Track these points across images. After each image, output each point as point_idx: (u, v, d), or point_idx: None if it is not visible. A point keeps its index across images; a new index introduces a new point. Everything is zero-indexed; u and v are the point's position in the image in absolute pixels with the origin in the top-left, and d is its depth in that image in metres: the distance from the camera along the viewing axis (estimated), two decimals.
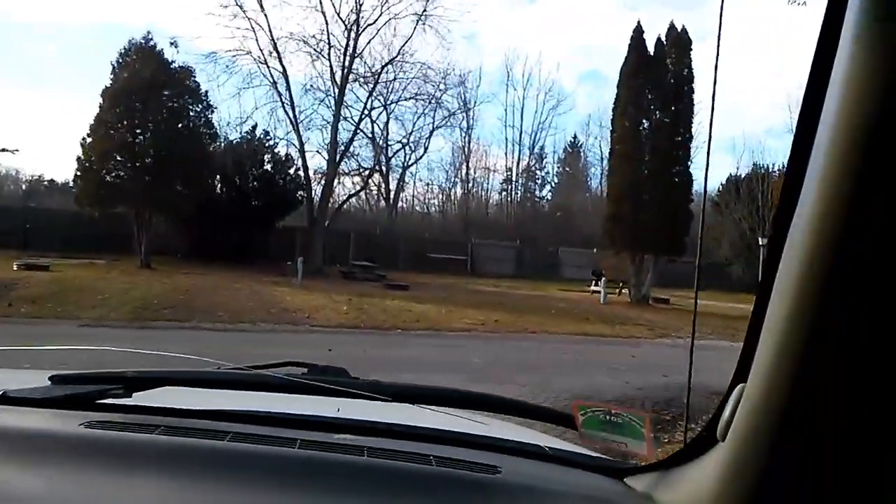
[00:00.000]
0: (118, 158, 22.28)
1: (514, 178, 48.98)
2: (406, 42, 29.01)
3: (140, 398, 1.25)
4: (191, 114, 24.25)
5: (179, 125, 23.41)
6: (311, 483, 1.00)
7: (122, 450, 1.03)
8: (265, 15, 27.18)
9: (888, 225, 0.57)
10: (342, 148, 28.88)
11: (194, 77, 24.41)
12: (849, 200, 0.58)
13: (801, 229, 0.63)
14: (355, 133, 29.45)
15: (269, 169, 27.81)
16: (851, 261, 0.59)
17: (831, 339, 0.62)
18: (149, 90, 22.07)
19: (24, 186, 35.12)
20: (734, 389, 0.77)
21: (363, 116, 30.05)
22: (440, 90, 30.58)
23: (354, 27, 28.20)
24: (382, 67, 29.17)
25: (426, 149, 36.44)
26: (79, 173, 22.26)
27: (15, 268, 18.46)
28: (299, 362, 1.41)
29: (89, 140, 22.35)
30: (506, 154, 50.40)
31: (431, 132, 34.99)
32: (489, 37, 65.18)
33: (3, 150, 15.95)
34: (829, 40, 0.61)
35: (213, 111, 25.18)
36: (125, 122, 22.23)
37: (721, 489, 0.80)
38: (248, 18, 26.93)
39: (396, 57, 29.03)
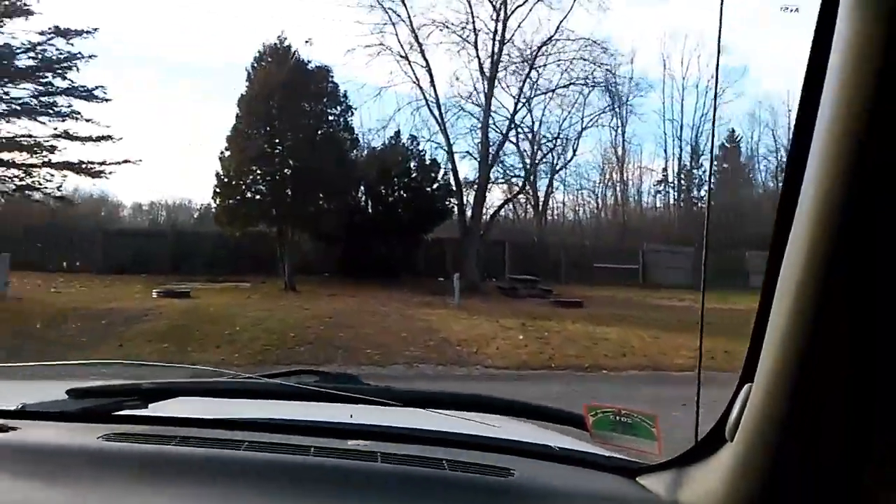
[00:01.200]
0: (256, 171, 20.42)
1: (671, 178, 42.71)
2: (566, 16, 24.98)
3: (156, 409, 1.28)
4: (329, 118, 22.01)
5: (319, 131, 21.23)
6: (325, 489, 1.03)
7: (140, 462, 1.07)
8: (404, 3, 24.55)
9: (889, 223, 0.58)
10: (494, 147, 25.46)
11: (332, 77, 22.20)
12: (849, 199, 0.58)
13: (802, 228, 0.63)
14: (510, 128, 25.82)
15: (416, 176, 25.04)
16: (854, 259, 0.60)
17: (836, 338, 0.63)
18: (285, 94, 20.03)
19: (195, 215, 35.33)
20: (741, 389, 0.77)
21: (517, 108, 26.29)
22: (608, 70, 25.84)
23: (503, 7, 24.80)
24: (539, 48, 25.24)
25: (575, 150, 31.26)
26: (217, 190, 20.63)
27: (154, 295, 16.95)
28: (311, 370, 1.50)
29: (227, 153, 20.70)
30: (665, 151, 43.89)
31: (581, 130, 29.93)
32: (645, 18, 59.31)
33: (127, 161, 14.08)
34: (822, 42, 0.62)
35: (352, 112, 22.75)
36: (262, 131, 20.34)
37: (732, 488, 0.80)
38: (386, 9, 24.46)
39: (554, 35, 25.01)
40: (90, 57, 14.22)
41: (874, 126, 0.56)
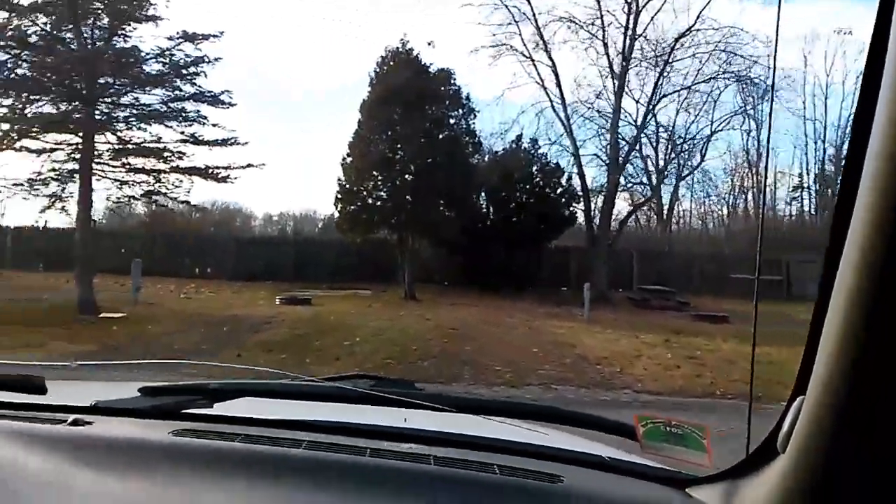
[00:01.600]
0: (377, 177, 20.03)
1: (808, 182, 37.94)
2: (709, 2, 22.74)
3: (221, 408, 1.35)
4: (451, 121, 21.27)
5: (440, 135, 20.53)
6: (380, 489, 1.05)
7: (207, 456, 1.12)
8: (529, 1, 23.44)
9: None
10: (624, 150, 23.68)
11: (454, 80, 21.47)
12: None
13: (857, 236, 0.63)
14: (642, 129, 23.94)
15: (539, 181, 23.74)
16: None
17: (891, 349, 0.62)
18: (406, 98, 19.51)
19: (319, 224, 36.07)
20: (794, 401, 0.77)
21: (650, 108, 24.34)
22: (753, 61, 23.11)
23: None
24: (677, 39, 23.17)
25: (703, 155, 27.80)
26: (339, 196, 20.44)
27: (277, 302, 16.87)
28: (368, 374, 1.52)
29: (349, 160, 20.48)
30: (805, 153, 39.10)
31: (712, 133, 26.70)
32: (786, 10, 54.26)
33: (250, 165, 13.94)
34: (879, 42, 0.61)
35: (475, 116, 21.87)
36: (384, 136, 19.93)
37: (783, 500, 0.80)
38: (510, 8, 23.46)
39: (695, 24, 22.83)
40: (216, 60, 14.20)
41: None
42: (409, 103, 19.66)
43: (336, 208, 20.87)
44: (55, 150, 13.68)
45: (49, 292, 15.63)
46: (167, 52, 13.76)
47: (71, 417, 1.25)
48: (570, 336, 12.80)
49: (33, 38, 13.09)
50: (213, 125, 14.60)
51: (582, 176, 23.89)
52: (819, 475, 0.73)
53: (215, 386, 1.38)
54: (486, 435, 1.30)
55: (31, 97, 13.32)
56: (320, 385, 1.44)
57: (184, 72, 13.96)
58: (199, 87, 14.32)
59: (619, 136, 23.88)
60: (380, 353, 10.14)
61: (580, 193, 23.68)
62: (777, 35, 1.20)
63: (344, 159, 20.61)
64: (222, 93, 14.52)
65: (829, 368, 0.67)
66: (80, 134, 13.43)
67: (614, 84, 23.66)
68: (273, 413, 1.36)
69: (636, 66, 23.74)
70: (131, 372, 3.27)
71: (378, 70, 21.08)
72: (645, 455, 1.19)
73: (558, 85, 23.92)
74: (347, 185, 20.28)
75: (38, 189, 13.99)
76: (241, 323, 13.01)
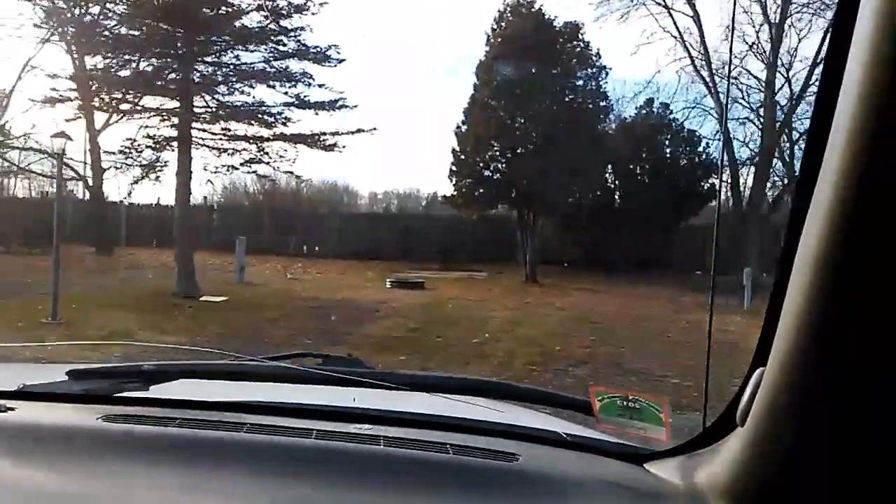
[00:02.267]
0: (495, 146, 17.95)
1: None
2: None
3: (157, 391, 1.28)
4: (578, 83, 18.79)
5: (566, 98, 18.15)
6: (327, 473, 1.02)
7: (140, 442, 1.08)
8: None
9: None
10: (785, 109, 20.21)
11: (582, 35, 18.92)
12: (863, 187, 0.58)
13: (817, 213, 0.63)
14: (806, 84, 20.23)
15: (674, 150, 20.84)
16: (867, 244, 0.60)
17: (849, 322, 0.62)
18: (528, 56, 17.23)
19: (423, 203, 34.62)
20: (753, 374, 0.77)
21: (816, 62, 20.60)
22: None
23: None
24: None
25: None
26: (453, 168, 18.54)
27: (388, 285, 15.33)
28: (315, 353, 1.44)
29: (463, 128, 18.51)
30: None
31: None
32: None
33: (360, 130, 12.28)
34: (840, 40, 0.61)
35: (606, 75, 19.21)
36: (502, 101, 17.78)
37: (741, 474, 0.80)
38: None
39: None
40: (322, 3, 12.39)
41: (889, 116, 0.55)
42: (531, 62, 17.39)
43: (451, 182, 18.96)
44: (151, 115, 12.52)
45: (155, 271, 14.86)
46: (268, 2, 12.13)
47: None
48: (737, 333, 10.34)
49: None
50: (320, 86, 12.97)
51: (728, 142, 20.67)
52: (778, 447, 0.74)
53: (150, 367, 1.33)
54: (439, 413, 1.27)
55: (125, 56, 12.21)
56: (264, 365, 1.41)
57: (287, 25, 12.32)
58: (303, 42, 12.66)
59: (774, 95, 20.44)
60: (517, 356, 8.17)
61: (720, 164, 20.53)
62: None
63: (458, 127, 18.69)
64: (329, 48, 12.77)
65: (789, 341, 0.68)
66: (178, 97, 12.17)
67: (771, 33, 20.19)
68: (213, 395, 1.31)
69: (799, 10, 20.11)
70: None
71: (496, 26, 18.86)
72: (602, 430, 1.18)
73: (701, 38, 20.78)
74: (463, 156, 18.35)
75: (132, 158, 13.01)
76: (349, 310, 11.49)
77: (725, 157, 20.89)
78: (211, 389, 1.36)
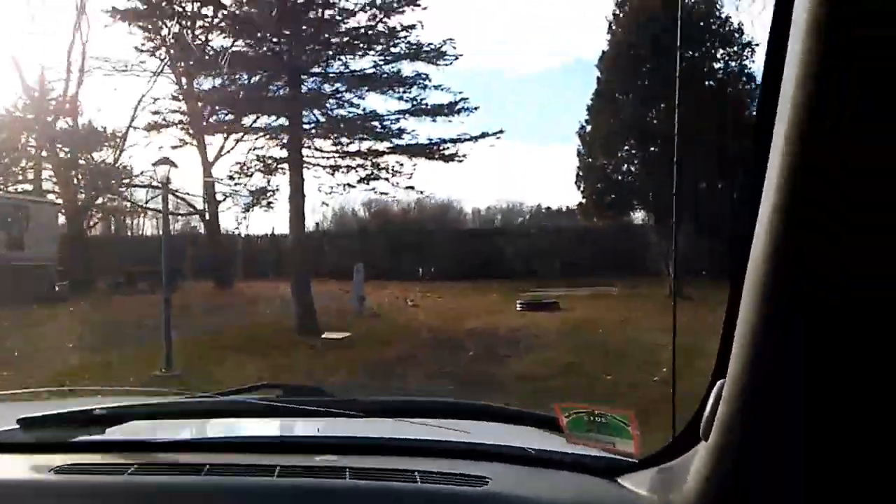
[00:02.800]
0: (625, 144, 16.04)
1: None
2: None
3: (112, 433, 1.24)
4: (716, 64, 16.56)
5: (706, 82, 15.98)
6: None
7: (95, 494, 1.04)
8: None
9: (851, 217, 0.58)
10: None
11: (720, 10, 16.71)
12: (809, 193, 0.59)
13: (766, 222, 0.64)
14: None
15: None
16: (819, 252, 0.60)
17: (804, 332, 0.63)
18: (658, 39, 15.26)
19: (527, 217, 32.89)
20: (713, 386, 0.78)
21: None
22: None
23: None
24: None
25: None
26: (580, 173, 16.77)
27: (518, 308, 13.74)
28: (273, 384, 1.47)
29: (588, 127, 16.74)
30: None
31: None
32: None
33: (485, 134, 10.66)
34: (779, 36, 0.62)
35: (752, 52, 16.82)
36: (629, 94, 15.87)
37: (709, 485, 0.81)
38: None
39: None
40: None
41: (832, 118, 0.56)
42: (661, 46, 15.38)
43: (578, 188, 17.18)
44: (259, 135, 11.65)
45: (273, 305, 14.09)
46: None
47: None
48: None
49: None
50: (437, 87, 11.60)
51: None
52: (740, 459, 0.74)
53: (103, 411, 1.27)
54: (404, 437, 1.24)
55: (230, 75, 11.46)
56: (222, 400, 1.38)
57: (397, 24, 11.07)
58: (415, 41, 11.34)
59: None
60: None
61: None
62: None
63: (582, 127, 16.94)
64: (443, 44, 11.37)
65: (746, 353, 0.69)
66: (286, 114, 11.21)
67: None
68: (170, 435, 1.28)
69: None
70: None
71: (617, 10, 17.02)
72: (570, 445, 1.16)
73: None
74: (589, 158, 16.55)
75: (241, 182, 12.22)
76: (485, 341, 10.00)
77: None
78: (169, 429, 1.33)
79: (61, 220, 20.46)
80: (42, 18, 23.53)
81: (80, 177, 21.70)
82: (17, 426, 1.21)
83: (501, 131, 12.42)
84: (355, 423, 1.25)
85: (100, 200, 23.07)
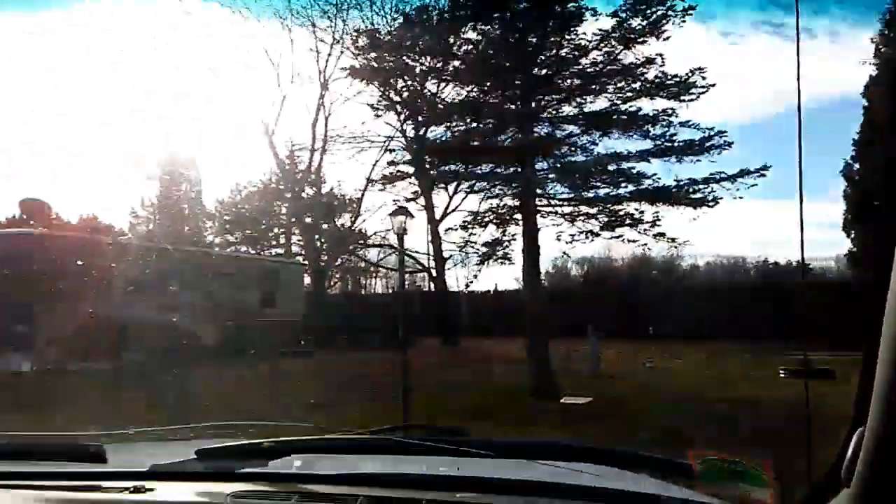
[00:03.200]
0: None
1: None
2: None
3: (277, 466, 1.39)
4: None
5: None
6: None
7: None
8: None
9: None
10: None
11: None
12: None
13: None
14: None
15: None
16: None
17: None
18: None
19: (751, 272, 29.41)
20: (854, 432, 0.77)
21: None
22: None
23: None
24: None
25: None
26: (847, 217, 14.22)
27: (781, 374, 11.70)
28: (417, 424, 1.66)
29: (855, 165, 14.22)
30: None
31: None
32: None
33: (746, 172, 9.18)
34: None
35: None
36: None
37: None
38: None
39: None
40: (687, 12, 9.88)
41: None
42: None
43: (847, 235, 14.57)
44: (491, 184, 11.33)
45: (502, 365, 13.60)
46: (615, 29, 10.16)
47: (131, 485, 1.30)
48: None
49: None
50: (683, 124, 10.34)
51: None
52: (885, 503, 0.73)
53: (270, 444, 1.43)
54: (540, 479, 1.28)
55: (459, 124, 11.42)
56: (373, 438, 1.51)
57: (636, 60, 10.19)
58: (657, 74, 10.22)
59: None
60: None
61: None
62: None
63: (848, 165, 14.43)
64: (693, 72, 10.12)
65: (887, 399, 0.68)
66: (517, 162, 10.73)
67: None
68: (327, 469, 1.40)
69: None
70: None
71: (885, 29, 14.51)
72: (703, 494, 1.15)
73: None
74: (861, 204, 13.98)
75: (474, 233, 11.94)
76: (751, 415, 8.42)
77: None
78: (325, 463, 1.46)
79: (306, 279, 22.37)
80: (290, 97, 26.61)
81: (322, 240, 23.70)
82: (195, 457, 1.38)
83: (767, 167, 10.52)
84: (495, 463, 1.31)
85: (338, 261, 25.01)
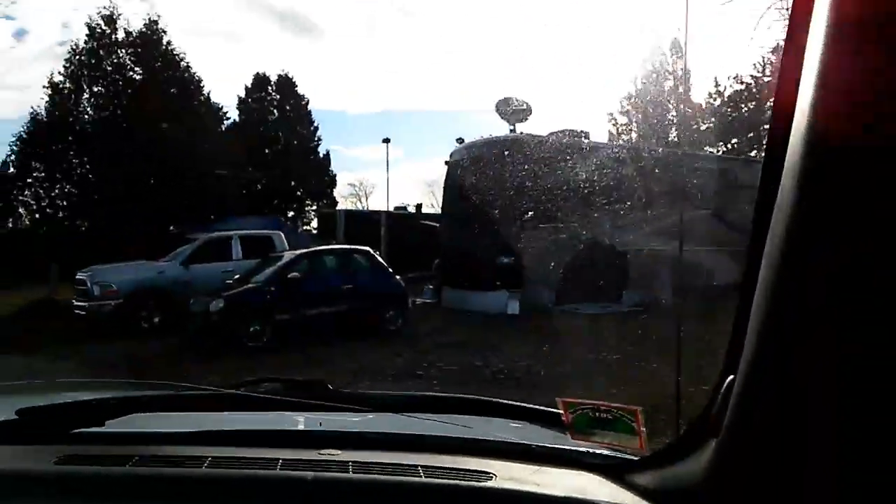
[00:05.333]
0: None
1: None
2: None
3: (113, 425, 1.21)
4: None
5: None
6: None
7: (97, 485, 1.02)
8: None
9: (867, 214, 0.57)
10: None
11: None
12: (826, 190, 0.59)
13: (781, 215, 0.63)
14: None
15: None
16: (832, 249, 0.59)
17: (817, 328, 0.62)
18: None
19: None
20: (724, 382, 0.76)
21: None
22: None
23: None
24: None
25: None
26: None
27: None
28: (276, 378, 1.42)
29: None
30: None
31: None
32: None
33: None
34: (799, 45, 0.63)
35: None
36: None
37: (718, 483, 0.79)
38: None
39: None
40: None
41: (854, 122, 0.56)
42: None
43: None
44: None
45: None
46: None
47: None
48: None
49: None
50: None
51: None
52: (751, 456, 0.72)
53: (104, 401, 1.27)
54: (408, 433, 1.24)
55: None
56: (224, 392, 1.34)
57: None
58: None
59: None
60: None
61: None
62: None
63: None
64: None
65: (758, 349, 0.68)
66: None
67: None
68: (172, 426, 1.25)
69: None
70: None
71: None
72: (575, 442, 1.15)
73: None
74: None
75: None
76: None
77: None
78: (170, 421, 1.30)
79: None
80: None
81: None
82: (16, 416, 1.18)
83: None
84: (359, 417, 1.24)
85: None
